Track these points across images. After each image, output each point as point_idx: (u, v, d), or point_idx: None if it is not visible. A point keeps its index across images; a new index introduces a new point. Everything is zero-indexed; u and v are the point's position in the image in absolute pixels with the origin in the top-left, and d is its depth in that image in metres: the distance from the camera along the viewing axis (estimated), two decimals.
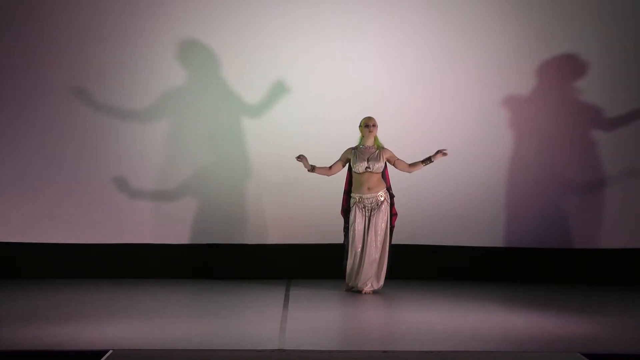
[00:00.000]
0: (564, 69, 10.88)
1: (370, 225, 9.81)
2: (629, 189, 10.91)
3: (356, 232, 9.80)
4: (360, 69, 10.84)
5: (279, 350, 7.11)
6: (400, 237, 10.42)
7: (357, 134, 9.98)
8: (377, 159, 9.82)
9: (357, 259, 9.81)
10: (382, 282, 9.91)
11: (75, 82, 10.72)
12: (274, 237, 10.90)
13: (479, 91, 10.89)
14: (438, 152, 9.87)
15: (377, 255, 9.82)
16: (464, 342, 7.58)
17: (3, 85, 10.72)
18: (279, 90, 10.82)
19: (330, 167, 9.96)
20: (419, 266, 10.92)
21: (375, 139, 9.90)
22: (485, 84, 10.88)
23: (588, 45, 10.85)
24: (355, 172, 9.87)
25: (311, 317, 8.73)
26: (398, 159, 9.90)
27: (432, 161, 9.88)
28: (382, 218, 9.83)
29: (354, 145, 9.95)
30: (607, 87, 10.87)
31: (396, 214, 9.96)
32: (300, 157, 9.87)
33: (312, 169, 9.88)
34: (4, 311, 8.73)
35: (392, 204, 9.92)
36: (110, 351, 6.91)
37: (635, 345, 7.52)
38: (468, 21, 10.83)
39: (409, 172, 9.99)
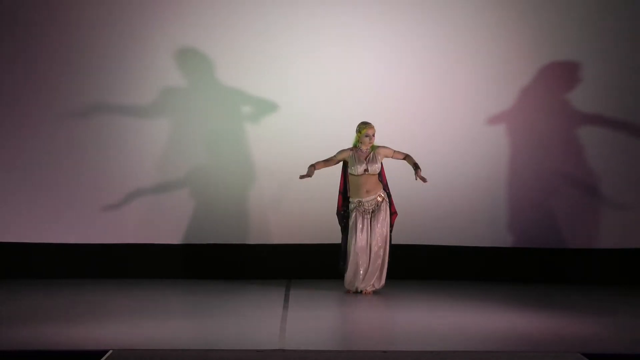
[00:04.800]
0: (563, 70, 10.88)
1: (372, 226, 9.82)
2: (628, 189, 10.91)
3: (358, 239, 9.77)
4: (359, 71, 10.83)
5: (279, 350, 7.12)
6: (401, 237, 10.42)
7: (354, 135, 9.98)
8: (374, 160, 9.83)
9: (361, 264, 9.79)
10: (383, 282, 9.92)
11: (75, 84, 10.72)
12: (274, 237, 10.89)
13: (478, 91, 10.88)
14: (420, 177, 9.80)
15: (381, 255, 9.82)
16: (464, 342, 7.58)
17: (3, 87, 10.72)
18: (280, 93, 10.82)
19: (324, 161, 9.88)
20: (419, 266, 10.92)
21: None
22: (484, 84, 10.88)
23: (586, 48, 10.84)
24: (352, 175, 9.86)
25: (311, 317, 8.73)
26: (395, 151, 9.91)
27: (416, 170, 9.82)
28: (383, 217, 9.83)
29: (349, 147, 9.93)
30: (605, 88, 10.87)
31: (396, 213, 9.96)
32: (303, 177, 9.84)
33: (313, 167, 9.84)
34: (4, 311, 8.73)
35: (390, 203, 9.93)
36: (110, 351, 6.91)
37: (635, 345, 7.52)
38: (466, 24, 10.83)
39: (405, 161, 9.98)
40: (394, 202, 9.96)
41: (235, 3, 10.79)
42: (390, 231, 9.92)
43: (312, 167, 9.83)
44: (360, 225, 9.81)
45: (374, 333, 8.31)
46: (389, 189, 9.96)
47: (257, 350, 7.07)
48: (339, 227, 10.02)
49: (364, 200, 9.84)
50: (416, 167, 9.83)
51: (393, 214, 9.94)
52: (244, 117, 10.85)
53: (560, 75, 10.89)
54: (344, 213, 9.92)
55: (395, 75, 10.86)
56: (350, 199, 9.90)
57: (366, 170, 9.81)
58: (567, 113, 10.91)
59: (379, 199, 9.87)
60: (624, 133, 10.88)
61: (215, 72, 10.81)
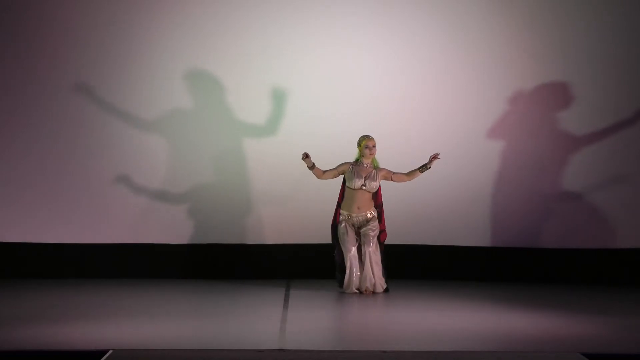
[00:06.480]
0: (558, 72, 10.88)
1: (362, 237, 9.84)
2: (628, 189, 10.91)
3: (349, 247, 9.81)
4: (359, 74, 10.84)
5: (279, 350, 7.11)
6: (401, 238, 10.43)
7: (356, 136, 9.99)
8: (373, 178, 9.86)
9: (356, 270, 9.82)
10: (382, 288, 9.93)
11: (78, 85, 10.72)
12: (274, 237, 10.90)
13: (473, 93, 10.88)
14: (432, 157, 9.84)
15: (374, 263, 9.83)
16: (463, 342, 7.58)
17: (4, 86, 10.73)
18: (279, 93, 10.83)
19: (324, 172, 9.95)
20: (419, 266, 10.92)
21: (373, 158, 9.93)
22: (479, 86, 10.88)
23: (578, 49, 10.85)
24: (348, 188, 9.88)
25: (311, 317, 8.73)
26: (394, 173, 9.92)
27: (429, 167, 9.85)
28: (371, 229, 9.83)
29: (351, 160, 9.94)
30: (600, 90, 10.88)
31: (385, 232, 9.95)
32: (305, 156, 9.85)
33: (313, 166, 9.88)
34: (4, 311, 8.73)
35: (381, 220, 9.92)
36: (110, 351, 6.91)
37: (635, 345, 7.52)
38: (465, 28, 10.84)
39: (410, 181, 9.97)
40: (385, 220, 9.97)
41: (238, 8, 10.79)
42: (382, 250, 9.91)
43: (313, 164, 9.81)
44: (351, 236, 9.84)
45: (374, 333, 8.31)
46: (382, 208, 9.96)
47: (257, 350, 7.07)
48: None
49: (353, 215, 9.87)
50: (424, 166, 9.81)
51: (382, 232, 9.95)
52: (245, 118, 10.85)
53: (556, 76, 10.89)
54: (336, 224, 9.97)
55: (394, 78, 10.86)
56: (342, 210, 9.93)
57: (363, 185, 9.82)
58: (562, 113, 10.91)
59: (369, 215, 9.89)
60: (619, 135, 10.89)
61: (214, 73, 10.81)
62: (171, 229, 10.84)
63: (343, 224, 9.90)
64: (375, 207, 9.95)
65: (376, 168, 9.91)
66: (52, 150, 10.75)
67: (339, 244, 9.92)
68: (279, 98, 10.84)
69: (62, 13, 10.69)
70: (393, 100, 10.85)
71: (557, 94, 10.90)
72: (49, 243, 10.77)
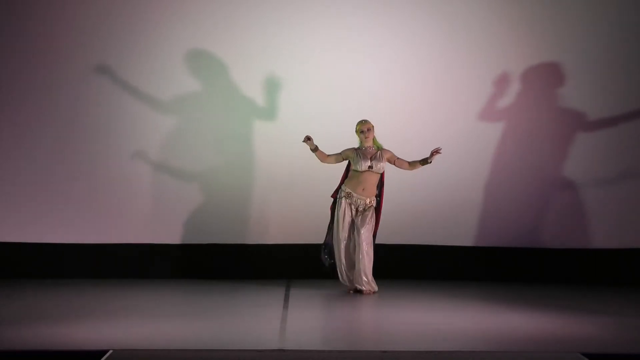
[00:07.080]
0: (551, 72, 10.88)
1: (356, 231, 9.83)
2: (628, 188, 10.91)
3: (344, 232, 9.82)
4: (359, 74, 10.85)
5: (279, 350, 7.12)
6: (401, 237, 10.43)
7: (356, 136, 10.00)
8: (379, 159, 9.87)
9: (347, 255, 9.83)
10: (375, 286, 9.92)
11: (79, 81, 10.72)
12: (274, 237, 10.90)
13: (474, 93, 10.88)
14: (433, 152, 9.86)
15: (364, 257, 9.80)
16: (463, 342, 7.58)
17: (6, 85, 10.73)
18: (279, 93, 10.83)
19: (327, 155, 9.97)
20: (419, 266, 10.92)
21: (374, 140, 9.94)
22: (479, 86, 10.88)
23: (575, 51, 10.85)
24: (355, 171, 9.88)
25: (311, 317, 8.74)
26: (398, 158, 9.95)
27: (430, 162, 9.88)
28: (367, 221, 9.82)
29: (355, 147, 9.97)
30: (592, 90, 10.88)
31: (378, 221, 9.94)
32: (307, 138, 9.87)
33: (316, 149, 9.89)
34: (4, 311, 8.73)
35: (379, 206, 9.91)
36: (110, 351, 6.91)
37: (635, 345, 7.52)
38: (465, 26, 10.84)
39: (410, 170, 10.01)
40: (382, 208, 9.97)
41: (242, 5, 10.79)
42: (374, 238, 9.93)
43: (316, 147, 9.83)
44: (348, 220, 9.83)
45: (373, 333, 8.31)
46: (383, 190, 9.96)
47: (257, 350, 7.08)
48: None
49: (355, 195, 9.86)
50: (425, 160, 9.84)
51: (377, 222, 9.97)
52: (245, 118, 10.85)
53: (557, 78, 10.89)
54: (334, 200, 9.95)
55: (392, 77, 10.87)
56: (343, 187, 9.92)
57: (370, 167, 9.84)
58: (557, 116, 10.92)
59: (368, 202, 9.89)
60: (614, 134, 10.89)
61: (221, 72, 10.81)
62: (171, 229, 10.84)
63: (343, 206, 9.89)
64: (378, 190, 9.92)
65: (380, 149, 9.93)
66: (52, 150, 10.74)
67: (335, 228, 9.89)
68: (278, 98, 10.84)
69: (66, 7, 10.71)
70: (393, 100, 10.85)
71: (558, 95, 10.90)
72: (49, 243, 10.77)
